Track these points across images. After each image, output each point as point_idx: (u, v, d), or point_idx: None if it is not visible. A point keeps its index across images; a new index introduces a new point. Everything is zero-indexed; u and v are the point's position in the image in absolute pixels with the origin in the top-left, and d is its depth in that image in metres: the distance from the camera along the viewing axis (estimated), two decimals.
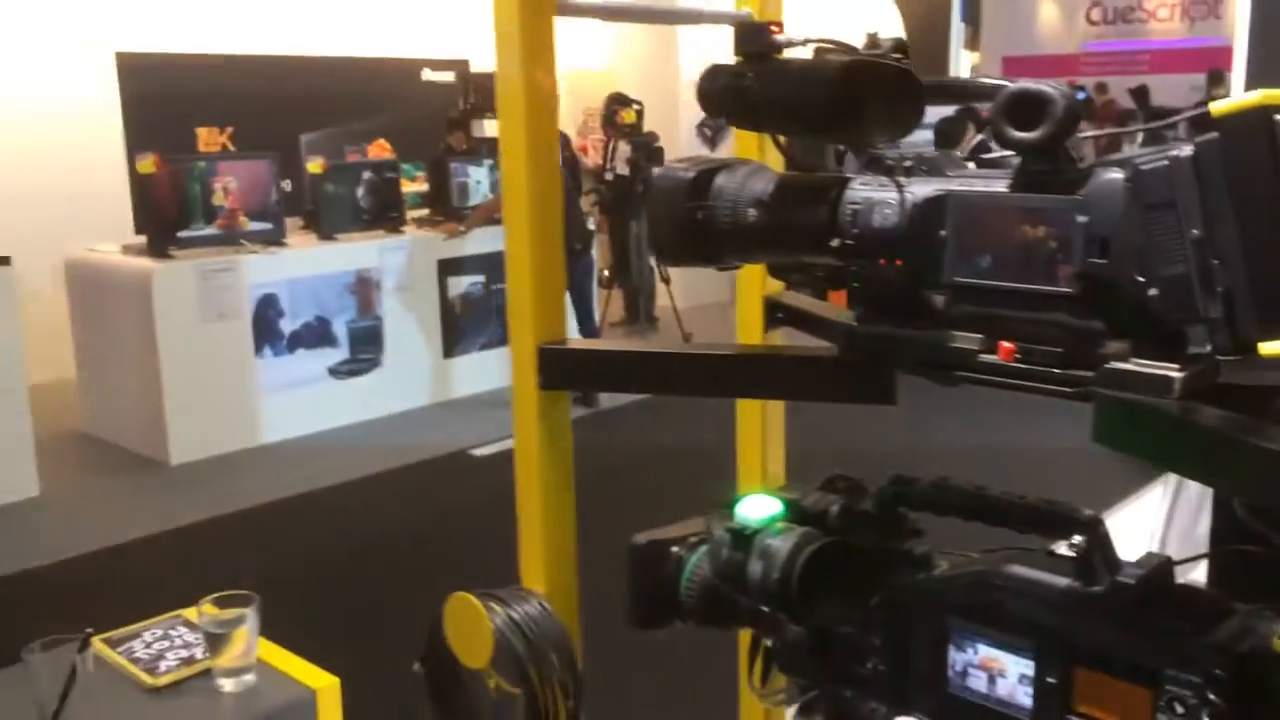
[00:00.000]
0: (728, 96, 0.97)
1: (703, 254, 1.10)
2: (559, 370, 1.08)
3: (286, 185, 6.31)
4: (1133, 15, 12.17)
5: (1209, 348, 0.80)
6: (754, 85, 0.95)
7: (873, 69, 0.93)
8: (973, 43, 12.22)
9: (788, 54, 0.96)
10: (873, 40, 1.21)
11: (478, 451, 5.71)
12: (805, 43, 0.95)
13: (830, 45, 0.95)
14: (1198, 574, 1.13)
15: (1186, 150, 0.80)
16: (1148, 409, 0.83)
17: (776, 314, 1.32)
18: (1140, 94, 9.78)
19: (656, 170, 1.12)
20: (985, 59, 12.54)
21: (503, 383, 6.80)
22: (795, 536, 0.97)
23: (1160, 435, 0.83)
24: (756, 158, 1.27)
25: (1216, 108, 0.77)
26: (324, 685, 1.64)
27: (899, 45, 1.01)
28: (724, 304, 9.09)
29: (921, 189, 0.95)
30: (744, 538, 0.99)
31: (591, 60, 10.09)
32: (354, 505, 5.13)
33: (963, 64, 11.09)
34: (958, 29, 9.51)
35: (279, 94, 8.08)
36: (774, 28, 0.95)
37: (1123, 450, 0.85)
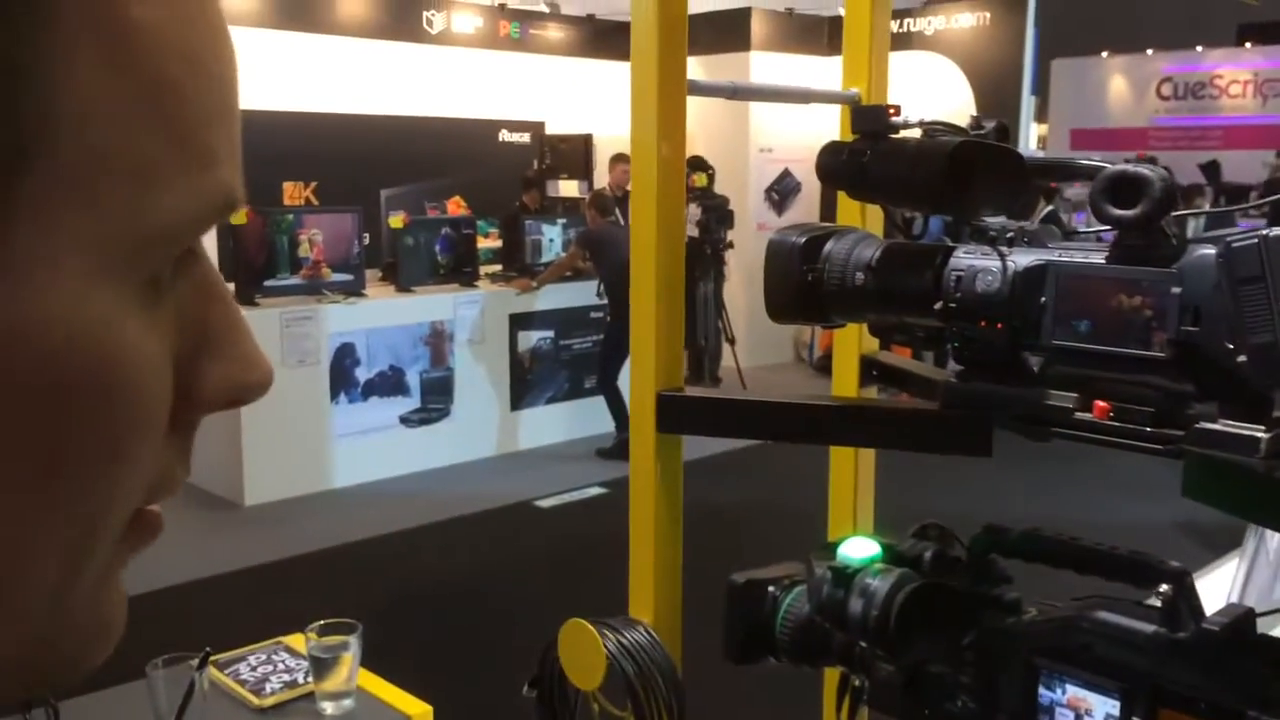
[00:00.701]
0: (846, 171, 1.07)
1: (812, 313, 1.19)
2: (676, 415, 1.18)
3: (365, 239, 6.52)
4: (1203, 91, 12.18)
5: None
6: (872, 162, 1.05)
7: (980, 149, 1.03)
8: (1040, 115, 12.29)
9: (902, 133, 1.06)
10: (975, 122, 1.30)
11: (542, 503, 5.80)
12: (920, 124, 1.05)
13: (940, 127, 1.05)
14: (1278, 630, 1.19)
15: (1276, 230, 0.88)
16: (1235, 466, 0.90)
17: (872, 371, 1.41)
18: (1210, 169, 9.76)
19: (772, 235, 1.22)
20: (1053, 131, 12.60)
21: (568, 436, 6.92)
22: (894, 577, 1.04)
23: (1246, 490, 0.90)
24: (859, 224, 1.37)
25: None
26: (419, 712, 1.73)
27: (1001, 128, 1.11)
28: (786, 364, 9.18)
29: (1023, 258, 1.03)
30: (845, 576, 1.06)
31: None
32: (423, 550, 5.24)
33: (1031, 136, 11.16)
34: (1028, 101, 9.59)
35: (361, 151, 8.36)
36: (891, 109, 1.05)
37: (1210, 503, 0.92)
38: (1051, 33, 10.27)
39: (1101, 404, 1.00)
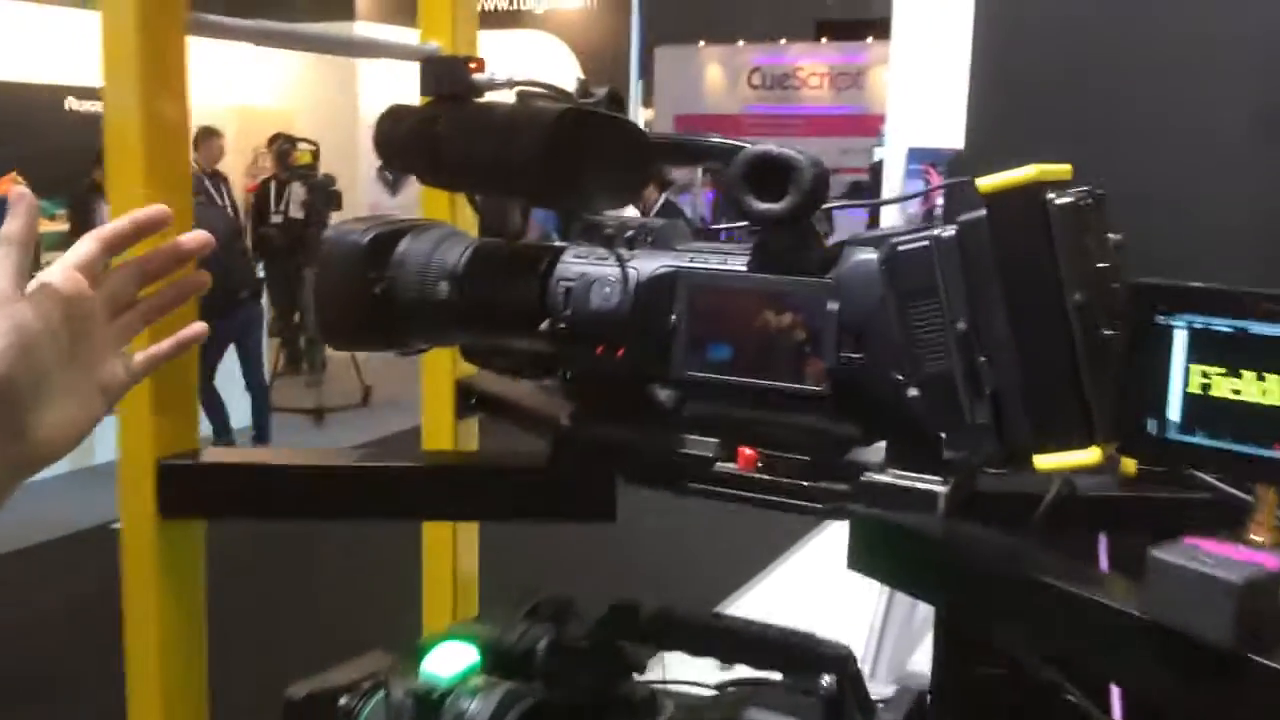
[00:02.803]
0: (414, 146, 0.78)
1: (382, 334, 0.90)
2: (188, 493, 0.82)
3: None
4: (788, 82, 13.09)
5: (974, 457, 0.70)
6: (447, 133, 0.77)
7: (592, 121, 0.78)
8: (647, 100, 12.65)
9: (489, 97, 0.79)
10: (584, 88, 1.04)
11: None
12: (510, 85, 0.78)
13: (541, 89, 0.79)
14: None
15: (949, 230, 0.69)
16: (910, 534, 0.71)
17: (470, 399, 1.14)
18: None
19: (327, 232, 0.91)
20: (659, 116, 13.02)
21: None
22: (496, 697, 0.78)
23: (925, 564, 0.72)
24: (448, 219, 1.09)
25: (984, 183, 0.67)
26: None
27: (615, 96, 0.87)
28: None
29: (647, 264, 0.80)
30: (431, 703, 0.78)
31: (264, 96, 9.51)
32: None
33: (639, 121, 11.45)
34: (635, 86, 9.77)
35: None
36: (473, 64, 0.78)
37: (883, 578, 0.73)
38: (655, 18, 10.54)
39: (747, 451, 0.79)
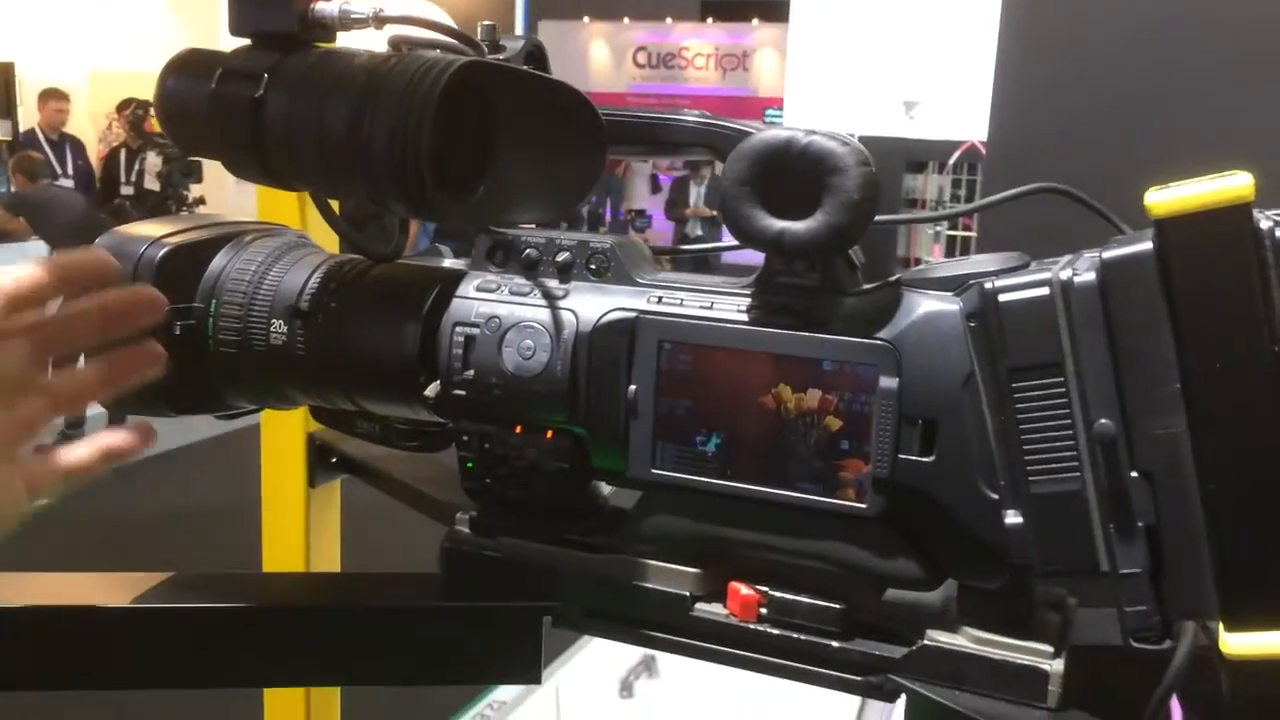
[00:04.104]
0: (222, 120, 0.48)
1: (188, 394, 0.60)
2: None
3: None
4: (673, 62, 12.87)
5: (1123, 626, 0.45)
6: (274, 101, 0.47)
7: (512, 83, 0.50)
8: None
9: (342, 41, 0.50)
10: (490, 32, 0.76)
11: None
12: (378, 20, 0.48)
13: (426, 30, 0.50)
14: None
15: (1085, 272, 0.44)
16: None
17: (330, 458, 0.84)
18: None
19: (101, 240, 0.61)
20: None
21: None
22: None
23: None
24: (296, 222, 0.79)
25: (1157, 200, 0.41)
26: None
27: (536, 49, 0.59)
28: None
29: (591, 305, 0.53)
30: None
31: (120, 58, 8.85)
32: None
33: None
34: None
35: None
36: None
37: None
38: None
39: (743, 591, 0.52)
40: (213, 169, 7.59)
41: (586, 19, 12.95)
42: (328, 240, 0.68)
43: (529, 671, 0.56)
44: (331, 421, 0.66)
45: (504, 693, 2.44)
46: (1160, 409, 0.42)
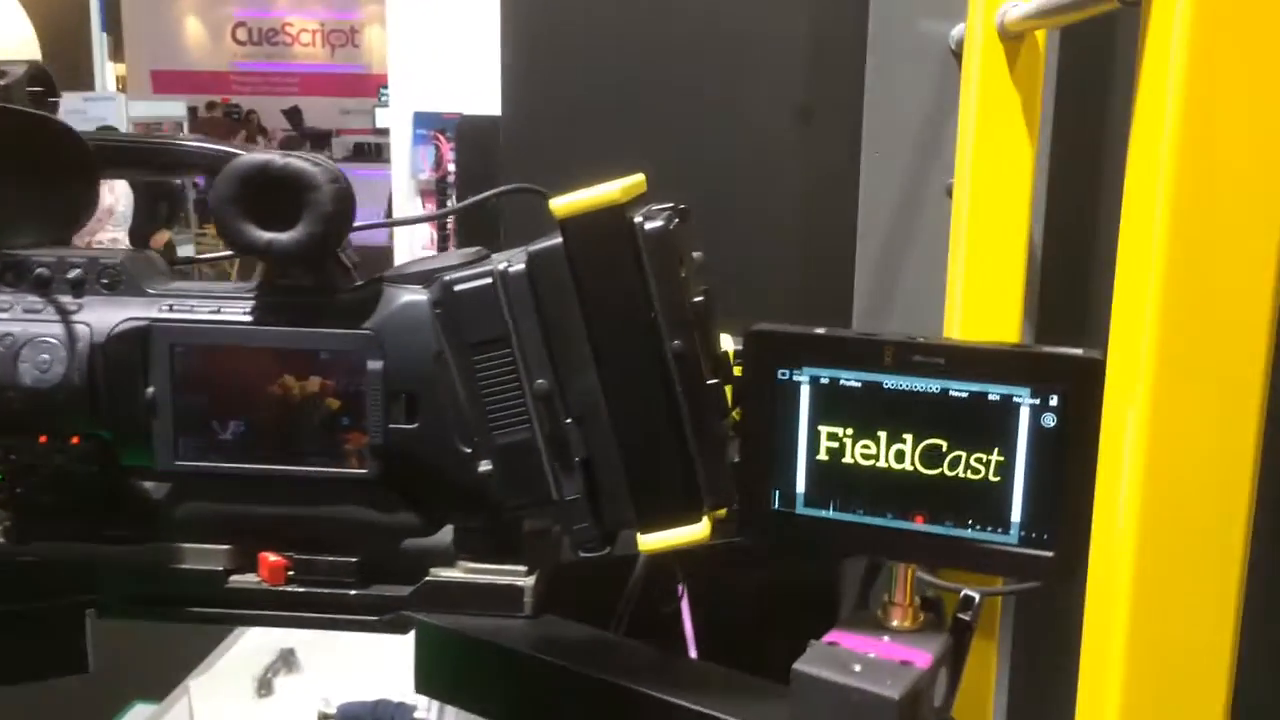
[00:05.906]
0: None
1: None
2: None
3: None
4: (277, 38, 12.35)
5: (569, 541, 0.56)
6: None
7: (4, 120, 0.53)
8: (116, 54, 11.32)
9: None
10: None
11: None
12: None
13: None
14: None
15: (517, 263, 0.55)
16: (484, 643, 0.57)
17: None
18: (293, 115, 9.92)
19: None
20: (132, 73, 11.69)
21: None
22: None
23: (505, 676, 0.57)
24: None
25: (559, 205, 0.53)
26: None
27: (39, 74, 0.62)
28: None
29: (105, 317, 0.57)
30: None
31: None
32: None
33: (109, 77, 10.19)
34: (100, 39, 8.61)
35: None
36: None
37: (466, 706, 0.58)
38: None
39: (271, 558, 0.59)
40: None
41: None
42: None
43: (78, 663, 0.60)
44: None
45: (139, 713, 2.37)
46: (580, 368, 0.54)
